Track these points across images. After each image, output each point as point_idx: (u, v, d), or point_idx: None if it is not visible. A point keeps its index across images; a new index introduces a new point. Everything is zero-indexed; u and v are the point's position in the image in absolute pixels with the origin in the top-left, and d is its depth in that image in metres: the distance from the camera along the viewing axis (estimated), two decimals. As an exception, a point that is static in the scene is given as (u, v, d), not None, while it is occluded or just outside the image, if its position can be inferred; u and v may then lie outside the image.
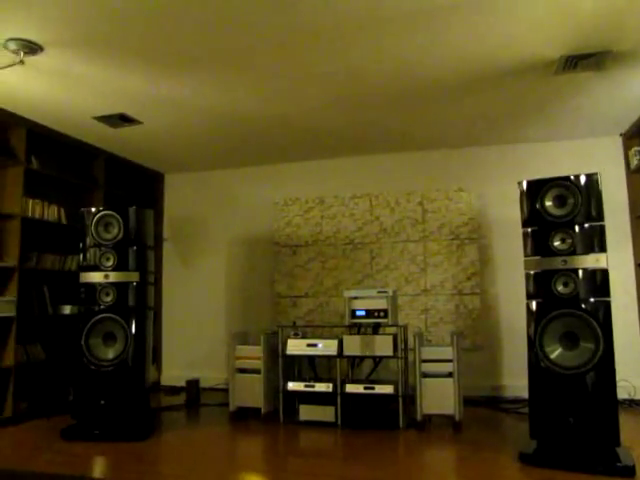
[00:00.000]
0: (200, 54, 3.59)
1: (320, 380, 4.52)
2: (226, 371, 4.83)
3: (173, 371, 6.32)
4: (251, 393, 4.55)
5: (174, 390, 5.89)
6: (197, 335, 6.31)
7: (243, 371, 4.62)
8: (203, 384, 5.57)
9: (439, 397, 4.12)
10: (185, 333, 6.38)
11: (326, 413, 4.34)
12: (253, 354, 4.61)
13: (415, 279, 5.71)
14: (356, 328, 4.56)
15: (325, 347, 4.47)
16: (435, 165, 5.84)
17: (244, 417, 4.59)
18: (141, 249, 4.22)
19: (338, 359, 4.42)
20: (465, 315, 5.55)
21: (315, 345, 4.51)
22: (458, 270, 5.61)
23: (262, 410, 4.51)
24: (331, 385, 4.37)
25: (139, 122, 4.84)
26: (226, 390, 4.76)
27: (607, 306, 3.23)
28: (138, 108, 4.55)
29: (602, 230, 3.28)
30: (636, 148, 5.08)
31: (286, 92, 4.26)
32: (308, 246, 6.05)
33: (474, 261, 5.58)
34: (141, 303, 4.17)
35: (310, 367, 4.85)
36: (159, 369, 6.39)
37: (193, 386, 5.31)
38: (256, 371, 4.57)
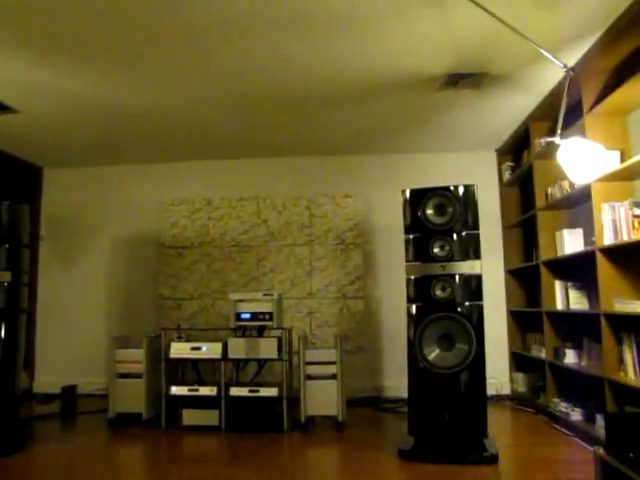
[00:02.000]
0: (81, 42, 3.41)
1: (204, 384, 4.45)
2: (106, 376, 4.62)
3: (48, 377, 5.96)
4: (132, 398, 4.41)
5: (48, 398, 5.55)
6: (75, 339, 6.00)
7: (124, 376, 4.47)
8: (81, 390, 5.32)
9: (323, 399, 4.21)
10: (62, 337, 6.05)
11: (210, 417, 4.30)
12: (135, 358, 4.47)
13: (301, 282, 5.79)
14: (241, 331, 4.55)
15: (209, 350, 4.43)
16: (323, 171, 5.96)
17: (124, 424, 4.44)
18: (14, 247, 3.95)
19: (223, 362, 4.39)
20: (349, 318, 5.70)
21: (199, 348, 4.45)
22: (343, 274, 5.75)
23: (143, 416, 4.39)
24: (215, 388, 4.33)
25: (15, 111, 4.53)
26: (106, 396, 4.58)
27: (480, 309, 3.46)
28: (14, 96, 4.26)
29: (477, 238, 3.52)
30: (508, 163, 5.50)
31: (173, 88, 4.18)
32: (194, 248, 5.96)
33: (358, 265, 5.75)
34: (13, 305, 3.90)
35: (194, 371, 4.77)
36: (31, 375, 6.01)
37: (69, 393, 5.05)
38: (138, 375, 4.45)
